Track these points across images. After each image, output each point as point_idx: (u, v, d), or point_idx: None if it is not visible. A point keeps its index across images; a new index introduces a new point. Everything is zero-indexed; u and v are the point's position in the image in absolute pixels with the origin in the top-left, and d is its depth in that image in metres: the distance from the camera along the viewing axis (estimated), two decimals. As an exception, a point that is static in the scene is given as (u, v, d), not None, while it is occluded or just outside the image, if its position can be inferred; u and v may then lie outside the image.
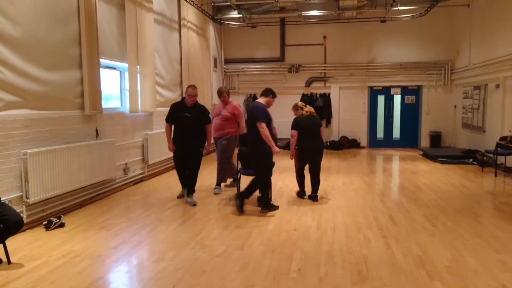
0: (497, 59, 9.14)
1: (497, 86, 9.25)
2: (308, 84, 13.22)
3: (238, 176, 6.20)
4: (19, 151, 4.69)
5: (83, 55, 5.74)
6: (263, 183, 5.55)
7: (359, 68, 12.94)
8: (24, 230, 4.62)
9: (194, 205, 5.82)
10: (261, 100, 5.64)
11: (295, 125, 6.08)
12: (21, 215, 4.38)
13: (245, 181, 7.26)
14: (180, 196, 6.27)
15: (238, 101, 13.35)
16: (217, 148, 6.68)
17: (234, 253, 4.00)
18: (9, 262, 3.73)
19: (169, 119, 6.07)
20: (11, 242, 4.19)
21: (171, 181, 7.64)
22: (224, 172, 6.71)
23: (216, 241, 4.35)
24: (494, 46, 9.51)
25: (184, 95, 6.21)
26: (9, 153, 4.57)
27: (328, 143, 13.02)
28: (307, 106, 6.36)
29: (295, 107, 6.42)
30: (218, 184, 6.73)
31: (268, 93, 5.67)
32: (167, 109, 8.78)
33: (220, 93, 6.65)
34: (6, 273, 3.54)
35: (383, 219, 5.13)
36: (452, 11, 12.03)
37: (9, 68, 4.52)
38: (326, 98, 13.13)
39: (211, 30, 11.86)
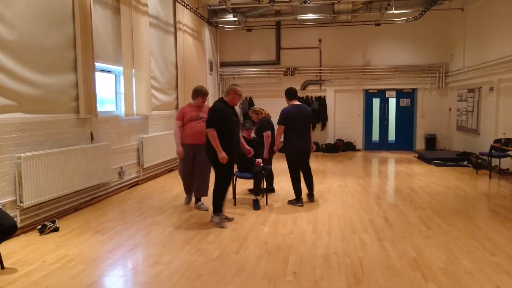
0: (491, 62, 9.22)
1: (491, 89, 9.32)
2: (304, 87, 13.25)
3: (234, 179, 6.19)
4: (13, 155, 4.66)
5: (78, 58, 5.73)
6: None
7: (354, 71, 12.99)
8: (18, 235, 4.59)
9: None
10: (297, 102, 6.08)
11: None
12: (15, 219, 4.35)
13: (239, 184, 7.28)
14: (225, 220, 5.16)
15: (233, 104, 13.46)
16: (199, 156, 5.67)
17: (229, 256, 3.99)
18: (2, 267, 3.70)
19: (217, 124, 4.88)
20: (4, 246, 4.17)
21: (167, 185, 7.62)
22: (208, 184, 5.85)
23: (212, 244, 4.33)
24: (488, 49, 9.58)
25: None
26: (3, 157, 4.55)
27: (323, 146, 13.05)
28: (264, 109, 6.74)
29: (255, 112, 6.59)
30: (199, 199, 5.91)
31: None
32: (163, 112, 8.92)
33: (204, 93, 5.76)
34: (0, 278, 3.51)
35: (378, 221, 5.14)
36: (446, 15, 12.13)
37: (4, 72, 4.50)
38: (321, 101, 13.17)
39: (206, 33, 11.88)
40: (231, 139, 4.99)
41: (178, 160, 5.83)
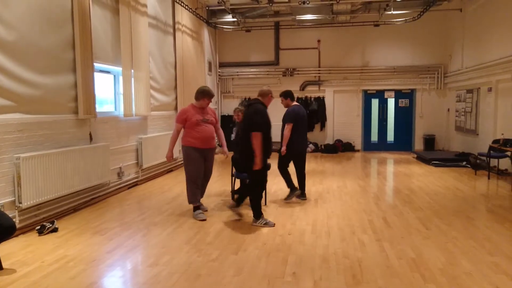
0: (489, 63, 9.23)
1: (489, 89, 9.34)
2: (303, 87, 13.26)
3: (233, 180, 6.19)
4: (12, 155, 4.65)
5: (77, 59, 5.72)
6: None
7: (353, 71, 13.01)
8: (17, 235, 4.58)
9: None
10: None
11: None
12: (14, 220, 4.34)
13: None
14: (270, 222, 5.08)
15: (232, 105, 13.45)
16: (207, 160, 5.51)
17: (229, 257, 3.99)
18: (1, 267, 3.69)
19: (264, 128, 4.90)
20: (3, 247, 4.16)
21: (166, 185, 7.62)
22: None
23: (211, 245, 4.33)
24: (486, 50, 9.60)
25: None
26: (2, 158, 4.54)
27: (322, 147, 13.06)
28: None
29: (242, 111, 6.60)
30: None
31: None
32: (162, 113, 8.92)
33: (211, 95, 5.47)
34: (-2, 279, 3.51)
35: (377, 222, 5.14)
36: (445, 16, 12.15)
37: (2, 72, 4.49)
38: (320, 101, 13.18)
39: (205, 34, 11.88)
40: (269, 143, 5.00)
41: (185, 166, 5.40)
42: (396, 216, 5.39)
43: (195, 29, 10.77)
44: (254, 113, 4.91)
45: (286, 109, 6.22)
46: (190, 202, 5.44)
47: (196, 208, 5.42)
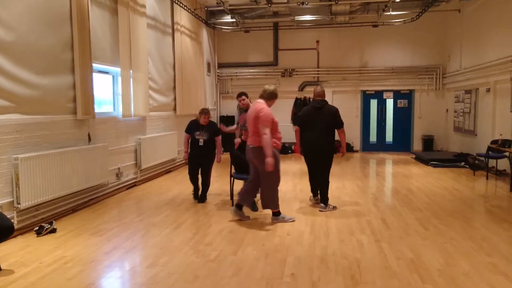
0: (487, 64, 9.25)
1: (488, 90, 9.36)
2: (302, 88, 13.26)
3: (232, 181, 6.19)
4: (10, 156, 4.64)
5: (75, 59, 5.71)
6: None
7: (352, 72, 13.02)
8: (15, 236, 4.57)
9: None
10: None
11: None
12: (12, 220, 4.34)
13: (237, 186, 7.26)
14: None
15: (232, 105, 13.48)
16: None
17: (227, 258, 3.99)
18: (-1, 268, 3.69)
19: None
20: (1, 248, 4.16)
21: (164, 186, 7.62)
22: None
23: (209, 246, 4.33)
24: (484, 50, 9.62)
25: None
26: (0, 158, 4.53)
27: (321, 147, 13.06)
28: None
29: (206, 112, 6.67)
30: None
31: None
32: (161, 113, 8.92)
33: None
34: (-4, 279, 3.50)
35: (376, 223, 5.14)
36: (443, 16, 12.17)
37: (1, 73, 4.48)
38: (319, 102, 13.17)
39: (204, 34, 11.88)
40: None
41: (269, 171, 4.94)
42: (394, 217, 5.40)
43: (194, 30, 10.77)
44: (336, 112, 5.98)
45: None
46: (275, 208, 5.21)
47: (278, 212, 5.24)
